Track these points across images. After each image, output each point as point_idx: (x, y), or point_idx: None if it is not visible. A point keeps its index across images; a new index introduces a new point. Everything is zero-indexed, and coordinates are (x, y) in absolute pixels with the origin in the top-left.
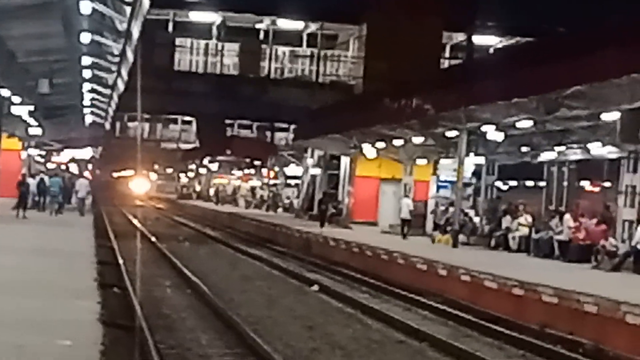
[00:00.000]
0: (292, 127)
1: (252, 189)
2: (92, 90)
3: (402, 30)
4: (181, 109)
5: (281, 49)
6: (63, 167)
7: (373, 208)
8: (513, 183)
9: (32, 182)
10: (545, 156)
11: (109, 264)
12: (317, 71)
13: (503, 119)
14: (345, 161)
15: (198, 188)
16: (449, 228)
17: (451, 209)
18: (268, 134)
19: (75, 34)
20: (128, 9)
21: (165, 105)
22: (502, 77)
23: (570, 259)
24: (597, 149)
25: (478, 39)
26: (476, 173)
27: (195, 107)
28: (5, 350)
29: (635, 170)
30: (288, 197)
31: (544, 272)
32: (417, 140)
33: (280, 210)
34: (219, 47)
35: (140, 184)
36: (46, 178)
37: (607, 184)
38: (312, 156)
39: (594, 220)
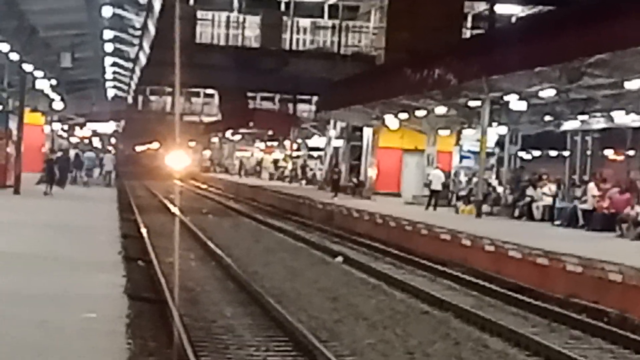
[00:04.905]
0: (315, 98)
1: (275, 161)
2: (114, 64)
3: (423, 0)
4: (203, 82)
5: (302, 21)
6: (86, 141)
7: (396, 179)
8: (536, 153)
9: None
10: (569, 125)
11: (133, 237)
12: (339, 42)
13: (526, 88)
14: (367, 132)
15: (221, 161)
16: (472, 198)
17: (474, 179)
18: (290, 106)
19: (97, 8)
20: None
21: (187, 79)
22: (524, 46)
23: (594, 228)
24: (620, 118)
25: (500, 8)
26: (499, 143)
27: (217, 80)
28: (30, 323)
29: None
30: (311, 169)
31: (568, 242)
32: (440, 110)
33: (303, 182)
34: (240, 20)
35: (178, 159)
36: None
37: (631, 153)
38: (334, 128)
39: (618, 189)
